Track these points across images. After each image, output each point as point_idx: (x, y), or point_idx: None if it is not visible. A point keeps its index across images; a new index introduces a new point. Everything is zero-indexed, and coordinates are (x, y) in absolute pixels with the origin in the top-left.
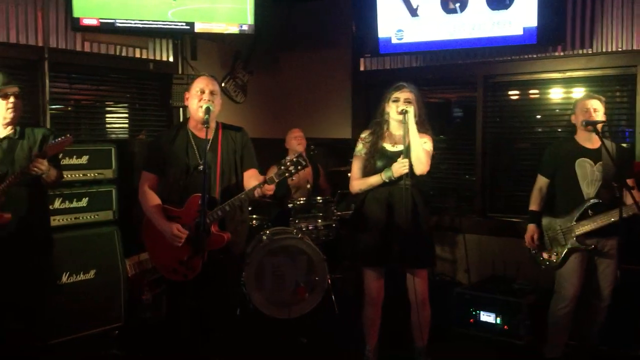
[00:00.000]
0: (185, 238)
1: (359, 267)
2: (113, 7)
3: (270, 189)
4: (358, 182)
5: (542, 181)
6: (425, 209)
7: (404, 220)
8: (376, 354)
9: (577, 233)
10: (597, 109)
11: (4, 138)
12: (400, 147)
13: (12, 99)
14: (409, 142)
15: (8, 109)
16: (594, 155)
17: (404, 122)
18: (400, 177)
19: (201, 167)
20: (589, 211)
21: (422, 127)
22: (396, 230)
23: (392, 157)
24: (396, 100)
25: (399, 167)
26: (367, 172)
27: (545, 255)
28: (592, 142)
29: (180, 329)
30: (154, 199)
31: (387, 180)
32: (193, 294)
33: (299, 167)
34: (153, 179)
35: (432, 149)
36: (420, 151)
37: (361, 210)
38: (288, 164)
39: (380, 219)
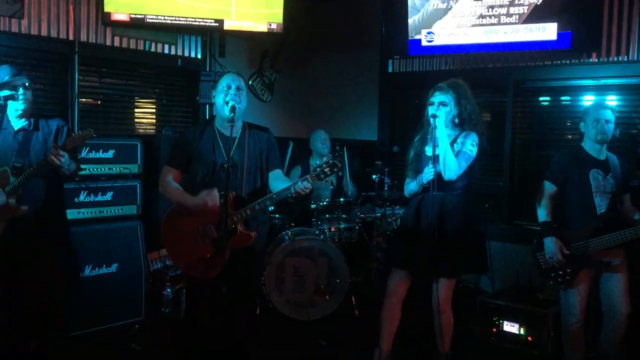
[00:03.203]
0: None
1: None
2: (143, 2)
3: (307, 188)
4: (406, 188)
5: (551, 190)
6: (464, 219)
7: (429, 228)
8: None
9: (592, 250)
10: (609, 120)
11: (19, 130)
12: (438, 151)
13: (21, 91)
14: (435, 148)
15: (19, 100)
16: (603, 166)
17: (433, 127)
18: (438, 184)
19: (227, 165)
20: (600, 225)
21: (466, 125)
22: (423, 237)
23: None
24: (432, 104)
25: (425, 173)
26: (415, 175)
27: (560, 272)
28: (601, 153)
29: (197, 325)
30: (177, 186)
31: (419, 186)
32: (213, 291)
33: (335, 170)
34: (175, 174)
35: (474, 150)
36: (449, 157)
37: (402, 216)
38: (324, 165)
39: (412, 226)
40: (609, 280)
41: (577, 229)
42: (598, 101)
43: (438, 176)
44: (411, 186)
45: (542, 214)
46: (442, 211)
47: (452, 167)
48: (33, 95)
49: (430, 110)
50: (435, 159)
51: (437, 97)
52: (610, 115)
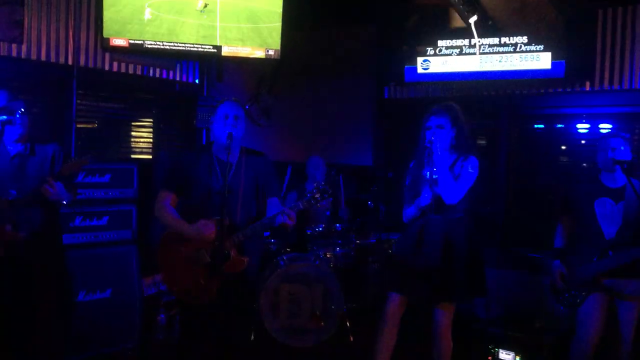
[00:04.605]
0: (206, 259)
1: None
2: (142, 28)
3: (293, 218)
4: (404, 214)
5: (563, 220)
6: (465, 243)
7: (430, 253)
8: None
9: (597, 273)
10: (616, 147)
11: (16, 155)
12: (437, 175)
13: (18, 115)
14: (434, 171)
15: (16, 125)
16: (616, 194)
17: (430, 153)
18: (437, 208)
19: (223, 191)
20: (609, 251)
21: (463, 149)
22: (423, 262)
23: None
24: (429, 129)
25: (423, 197)
26: (414, 201)
27: (566, 295)
28: (615, 180)
29: (191, 351)
30: (172, 212)
31: (417, 210)
32: (207, 316)
33: (325, 195)
34: (172, 198)
35: (474, 174)
36: (448, 181)
37: (400, 240)
38: (314, 191)
39: (411, 250)
40: (622, 308)
41: (585, 254)
42: (611, 130)
43: (439, 200)
44: (409, 211)
45: (557, 241)
46: (446, 236)
47: (452, 190)
48: (30, 120)
49: (428, 135)
50: (434, 182)
51: (434, 121)
52: (618, 143)
